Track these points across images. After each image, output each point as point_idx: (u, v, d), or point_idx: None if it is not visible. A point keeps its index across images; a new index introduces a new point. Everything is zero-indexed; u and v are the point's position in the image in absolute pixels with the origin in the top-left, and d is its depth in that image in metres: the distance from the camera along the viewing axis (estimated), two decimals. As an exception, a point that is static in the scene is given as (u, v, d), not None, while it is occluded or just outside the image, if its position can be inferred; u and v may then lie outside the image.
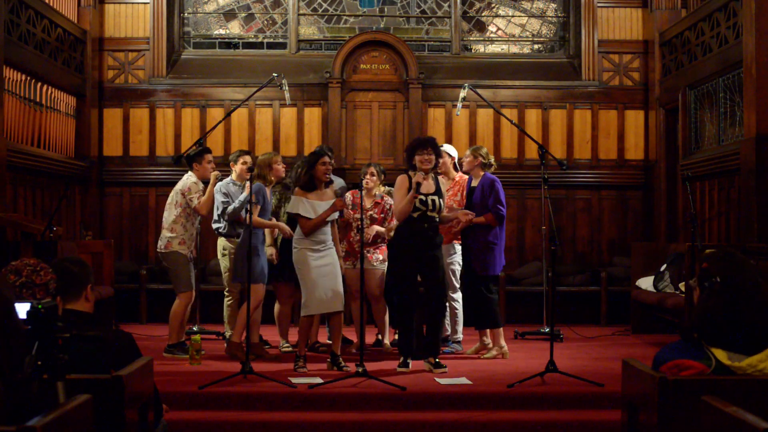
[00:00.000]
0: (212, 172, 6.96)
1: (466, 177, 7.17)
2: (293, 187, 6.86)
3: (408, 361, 6.26)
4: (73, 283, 3.31)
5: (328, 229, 6.35)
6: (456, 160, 7.31)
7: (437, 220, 6.34)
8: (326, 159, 6.30)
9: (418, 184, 6.20)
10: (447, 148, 7.27)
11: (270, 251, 6.94)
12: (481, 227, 6.76)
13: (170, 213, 6.90)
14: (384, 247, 7.08)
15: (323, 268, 6.21)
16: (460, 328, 7.23)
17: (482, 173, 6.97)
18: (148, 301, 9.37)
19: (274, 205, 7.05)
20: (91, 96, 9.84)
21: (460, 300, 7.14)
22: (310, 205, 6.21)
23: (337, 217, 6.56)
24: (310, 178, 6.27)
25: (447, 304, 7.03)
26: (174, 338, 6.85)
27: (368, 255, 7.01)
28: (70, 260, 3.41)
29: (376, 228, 7.00)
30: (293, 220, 6.58)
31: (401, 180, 6.38)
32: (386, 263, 7.01)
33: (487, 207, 6.79)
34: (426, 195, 6.27)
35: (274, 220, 6.86)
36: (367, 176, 7.06)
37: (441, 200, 6.33)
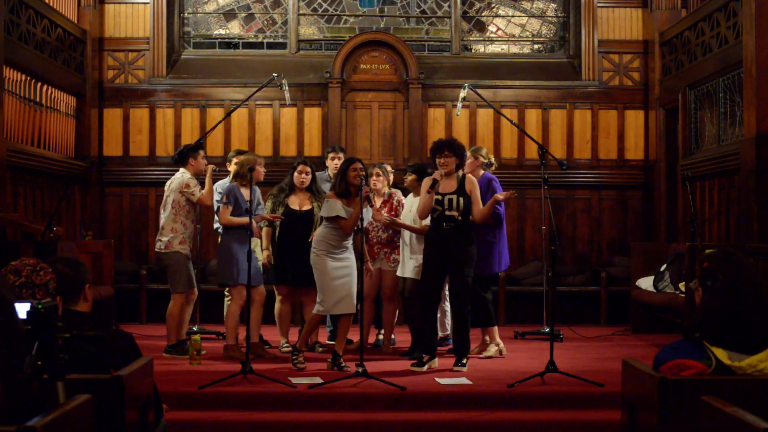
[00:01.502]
0: (207, 165, 6.99)
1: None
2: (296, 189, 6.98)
3: (423, 359, 6.25)
4: (70, 284, 3.30)
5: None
6: None
7: (458, 219, 6.34)
8: (358, 165, 6.37)
9: (435, 182, 6.27)
10: None
11: (265, 254, 6.99)
12: (479, 227, 6.77)
13: (168, 213, 6.86)
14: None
15: (341, 270, 6.27)
16: None
17: (483, 173, 6.99)
18: (148, 301, 9.36)
19: (269, 208, 7.05)
20: (91, 96, 9.84)
21: None
22: (344, 209, 6.28)
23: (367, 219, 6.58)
24: (345, 186, 6.32)
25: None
26: (173, 338, 6.84)
27: (386, 256, 7.07)
28: (63, 261, 3.36)
29: (385, 215, 7.00)
30: (298, 220, 6.66)
31: (425, 181, 6.51)
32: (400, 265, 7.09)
33: None
34: (444, 195, 6.31)
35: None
36: (373, 177, 7.08)
37: (462, 199, 6.32)
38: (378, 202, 7.12)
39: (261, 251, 7.18)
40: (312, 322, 6.44)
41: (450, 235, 6.33)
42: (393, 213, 7.09)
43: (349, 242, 6.38)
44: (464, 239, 6.37)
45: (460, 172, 6.47)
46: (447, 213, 6.33)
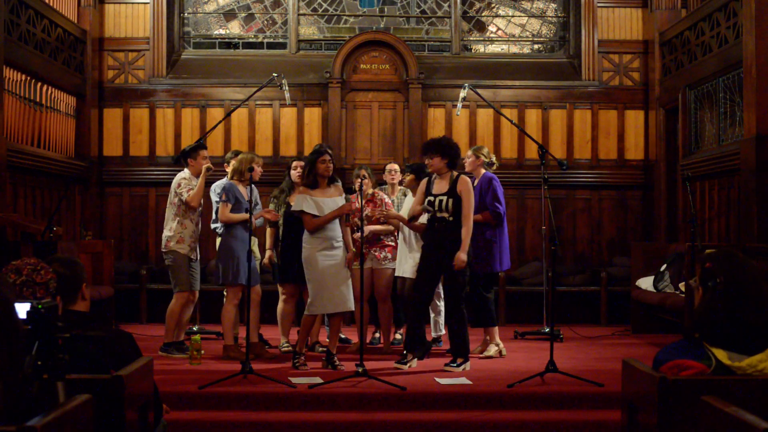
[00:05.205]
0: (205, 166, 6.99)
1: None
2: (291, 187, 6.98)
3: (407, 357, 6.25)
4: (67, 284, 3.29)
5: (337, 225, 6.33)
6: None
7: (449, 219, 6.30)
8: (326, 157, 6.35)
9: (426, 210, 6.41)
10: None
11: (268, 254, 6.99)
12: (479, 225, 6.77)
13: (168, 212, 6.95)
14: (392, 247, 7.10)
15: (332, 268, 6.22)
16: None
17: (484, 172, 7.00)
18: (148, 301, 9.36)
19: (273, 209, 7.05)
20: (91, 96, 9.84)
21: None
22: (314, 202, 6.25)
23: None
24: (313, 177, 6.31)
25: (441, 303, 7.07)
26: (170, 337, 6.84)
27: (376, 254, 7.05)
28: (59, 262, 3.35)
29: (371, 228, 7.01)
30: (293, 220, 6.62)
31: (421, 183, 6.60)
32: (394, 263, 7.08)
33: (485, 205, 6.81)
34: (436, 196, 6.32)
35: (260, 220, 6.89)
36: (366, 180, 7.09)
37: (451, 200, 6.29)
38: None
39: (259, 251, 7.19)
40: (304, 325, 6.38)
41: (442, 235, 6.32)
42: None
43: (339, 234, 6.31)
44: (456, 239, 6.31)
45: (454, 173, 6.41)
46: (438, 214, 6.32)
